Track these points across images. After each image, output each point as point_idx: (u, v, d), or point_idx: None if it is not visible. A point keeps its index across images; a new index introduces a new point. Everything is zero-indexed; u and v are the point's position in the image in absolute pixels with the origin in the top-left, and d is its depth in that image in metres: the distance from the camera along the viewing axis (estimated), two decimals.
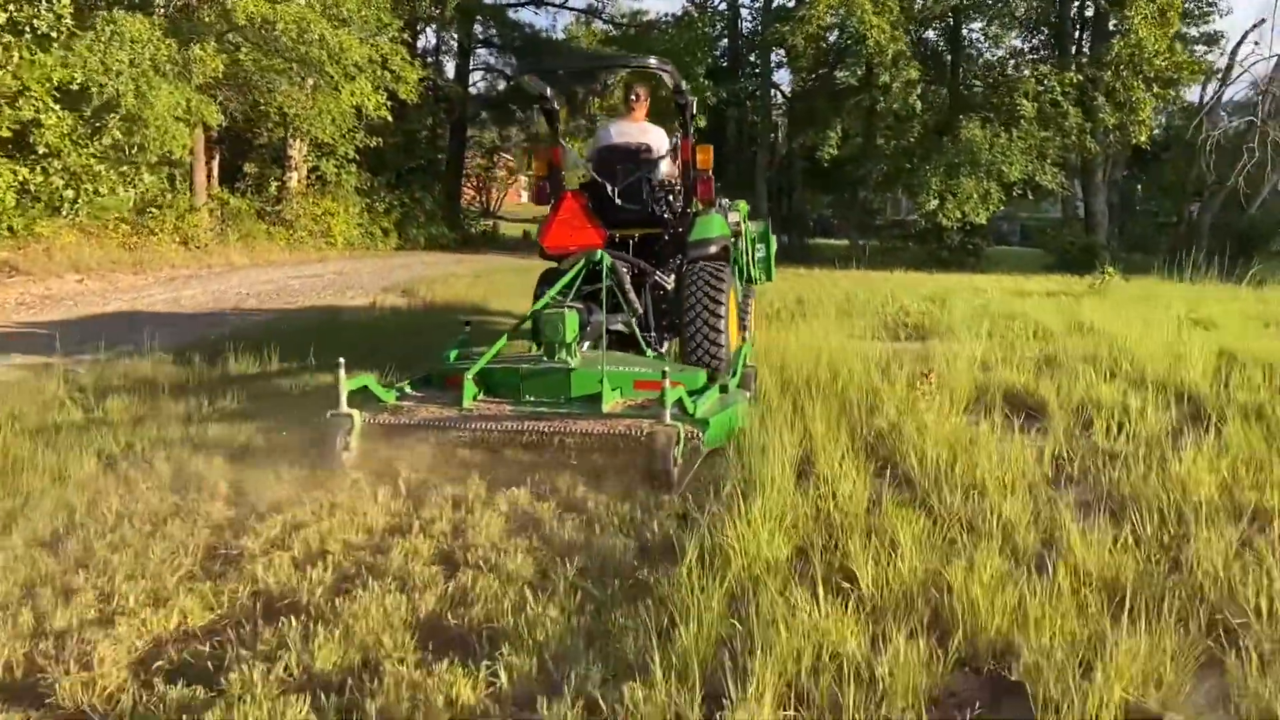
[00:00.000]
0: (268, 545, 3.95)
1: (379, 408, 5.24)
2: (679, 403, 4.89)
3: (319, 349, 8.28)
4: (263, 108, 21.32)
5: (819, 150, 27.84)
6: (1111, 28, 26.25)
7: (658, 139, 7.00)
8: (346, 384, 4.98)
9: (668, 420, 4.63)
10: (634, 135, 6.98)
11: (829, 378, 6.50)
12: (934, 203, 25.59)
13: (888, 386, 6.19)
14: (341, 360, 5.04)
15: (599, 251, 6.34)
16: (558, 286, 6.11)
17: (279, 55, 19.80)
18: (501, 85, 42.17)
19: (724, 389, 5.70)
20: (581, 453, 5.08)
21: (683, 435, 4.68)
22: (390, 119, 25.08)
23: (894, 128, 27.85)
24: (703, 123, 25.30)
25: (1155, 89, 25.13)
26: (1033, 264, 31.12)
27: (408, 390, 5.65)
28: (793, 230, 30.85)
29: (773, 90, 33.14)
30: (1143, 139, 25.49)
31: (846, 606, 3.09)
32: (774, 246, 9.44)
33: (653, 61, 6.65)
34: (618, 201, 6.74)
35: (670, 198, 6.88)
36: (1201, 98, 29.06)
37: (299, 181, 25.15)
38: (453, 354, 6.07)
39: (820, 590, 3.14)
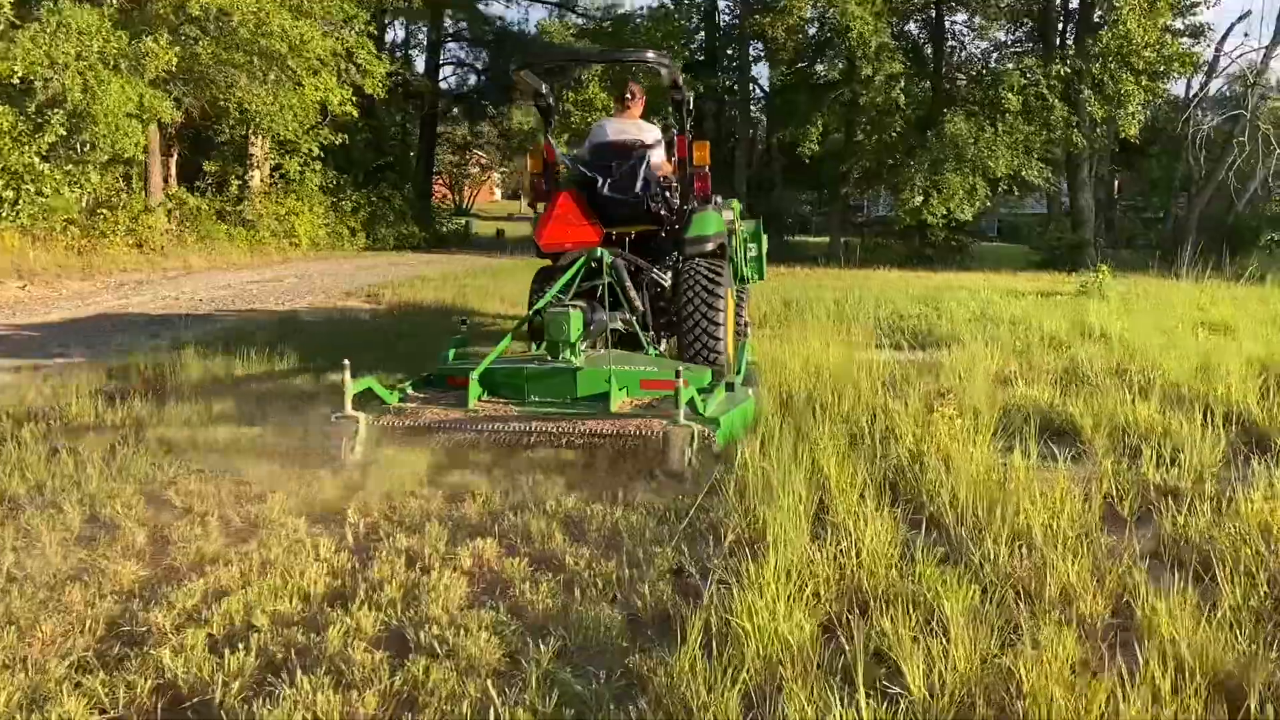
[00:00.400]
0: (182, 619, 3.30)
1: (383, 410, 5.21)
2: (690, 402, 4.88)
3: (273, 360, 7.64)
4: (222, 103, 20.54)
5: (799, 146, 27.21)
6: (1098, 19, 25.79)
7: (653, 135, 6.96)
8: (352, 386, 4.94)
9: (682, 420, 4.66)
10: (630, 132, 6.91)
11: (833, 397, 5.90)
12: (919, 199, 25.03)
13: (900, 407, 5.59)
14: (346, 362, 4.97)
15: (599, 249, 6.35)
16: (558, 285, 6.09)
17: (238, 48, 19.03)
18: (473, 80, 41.48)
19: (730, 387, 5.70)
20: (589, 451, 5.00)
21: (696, 435, 4.69)
22: (356, 115, 24.33)
23: (876, 122, 27.28)
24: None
25: (1144, 81, 24.67)
26: (1017, 261, 30.70)
27: (409, 391, 5.60)
28: (772, 228, 30.33)
29: (751, 85, 32.57)
30: (1132, 132, 25.01)
31: (895, 716, 2.47)
32: (765, 245, 9.36)
33: (650, 55, 6.91)
34: (616, 197, 6.66)
35: (667, 194, 6.81)
36: (1187, 91, 28.74)
37: (261, 180, 24.33)
38: (450, 354, 6.06)
39: (859, 690, 2.53)
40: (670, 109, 7.21)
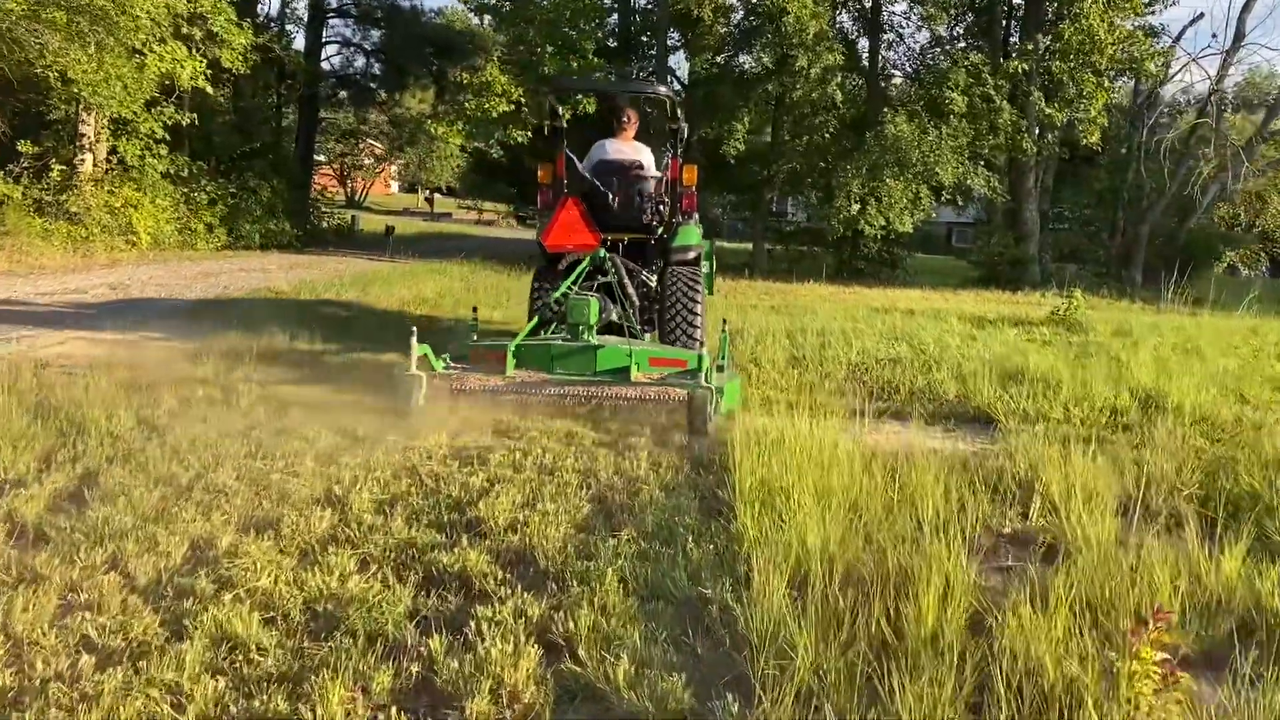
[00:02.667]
0: None
1: (434, 374, 6.26)
2: (703, 373, 6.10)
3: None
4: (40, 71, 17.15)
5: (723, 145, 24.79)
6: (1052, 15, 23.81)
7: (648, 157, 7.99)
8: (416, 349, 6.09)
9: (704, 384, 5.97)
10: (627, 153, 7.95)
11: (896, 591, 3.32)
12: (855, 207, 22.75)
13: (1037, 622, 3.02)
14: (414, 329, 6.15)
15: (602, 251, 7.41)
16: (571, 279, 7.23)
17: (54, 3, 15.74)
18: (360, 62, 38.14)
19: (720, 368, 6.65)
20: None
21: (714, 397, 5.99)
22: (211, 91, 21.13)
23: (807, 121, 25.01)
24: (591, 108, 21.95)
25: (1106, 83, 22.81)
26: (952, 275, 28.83)
27: (450, 363, 6.55)
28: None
29: (669, 77, 29.94)
30: (1094, 138, 23.13)
31: None
32: (714, 263, 9.96)
33: (662, 90, 8.56)
34: (619, 210, 7.65)
35: (660, 208, 7.84)
36: (1135, 98, 27.15)
37: (94, 165, 20.84)
38: (474, 336, 7.19)
39: None
40: (668, 135, 8.22)
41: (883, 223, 22.88)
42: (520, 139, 22.14)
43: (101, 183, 20.50)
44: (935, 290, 23.04)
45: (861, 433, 5.54)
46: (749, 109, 25.32)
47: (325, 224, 35.52)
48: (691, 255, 8.01)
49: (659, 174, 7.98)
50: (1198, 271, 25.43)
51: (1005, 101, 23.10)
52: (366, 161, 68.66)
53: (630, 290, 7.57)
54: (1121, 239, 26.06)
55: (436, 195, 73.45)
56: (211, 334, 8.98)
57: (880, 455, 4.85)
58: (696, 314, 7.62)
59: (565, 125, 8.25)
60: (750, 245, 28.19)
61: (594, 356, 6.48)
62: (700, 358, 6.12)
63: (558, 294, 7.16)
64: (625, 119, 8.08)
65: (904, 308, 17.74)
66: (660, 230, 7.92)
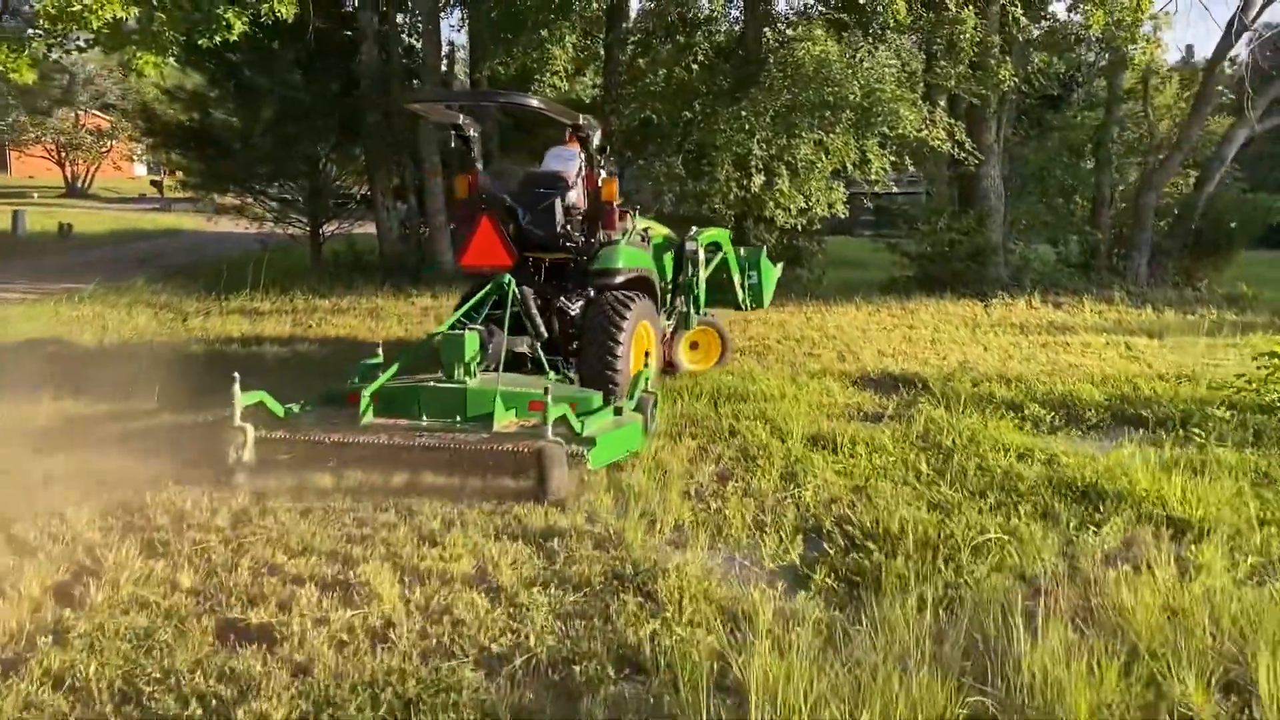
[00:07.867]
0: None
1: (272, 424, 5.94)
2: (565, 422, 5.75)
3: None
4: None
5: (535, 79, 15.95)
6: None
7: (577, 168, 7.83)
8: (241, 399, 5.70)
9: (549, 437, 5.44)
10: (551, 163, 7.96)
11: None
12: (758, 180, 14.25)
13: None
14: (236, 375, 5.69)
15: (506, 276, 7.18)
16: (461, 309, 7.12)
17: None
18: None
19: (618, 411, 6.46)
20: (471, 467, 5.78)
21: (567, 453, 5.48)
22: None
23: (660, 48, 16.41)
24: (289, 13, 12.48)
25: None
26: (861, 268, 20.90)
27: (300, 408, 6.26)
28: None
29: None
30: (1155, 56, 15.18)
31: None
32: (771, 272, 9.93)
33: (533, 102, 7.40)
34: (534, 230, 7.55)
35: (574, 226, 7.66)
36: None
37: None
38: (359, 374, 6.70)
39: None
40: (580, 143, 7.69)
41: (801, 203, 14.39)
42: (153, 71, 12.29)
43: None
44: (868, 303, 15.00)
45: None
46: (569, 27, 16.37)
47: None
48: (619, 280, 7.61)
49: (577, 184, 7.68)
50: (1222, 255, 18.46)
51: (968, 7, 15.02)
52: (86, 139, 57.09)
53: (537, 320, 7.27)
54: (1109, 212, 18.65)
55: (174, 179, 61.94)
56: None
57: None
58: (615, 346, 7.16)
59: (474, 134, 7.75)
60: None
61: (463, 399, 6.19)
62: (547, 405, 5.54)
63: (441, 328, 6.83)
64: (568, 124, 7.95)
65: (875, 359, 10.07)
66: (582, 251, 7.60)
